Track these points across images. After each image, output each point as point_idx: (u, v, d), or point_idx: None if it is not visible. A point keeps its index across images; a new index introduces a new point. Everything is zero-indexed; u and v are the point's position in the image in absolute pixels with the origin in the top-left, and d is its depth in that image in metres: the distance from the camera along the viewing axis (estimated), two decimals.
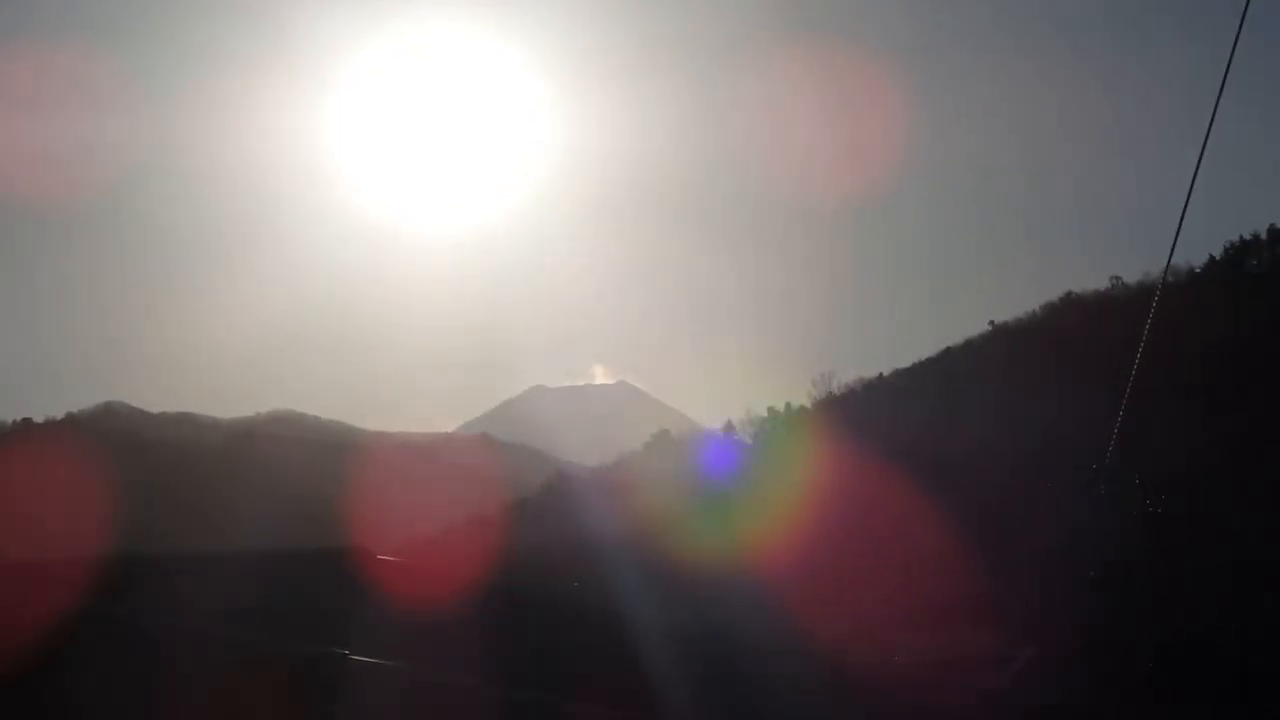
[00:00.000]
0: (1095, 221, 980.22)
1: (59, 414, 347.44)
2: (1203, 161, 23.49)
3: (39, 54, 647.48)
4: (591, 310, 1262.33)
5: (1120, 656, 70.55)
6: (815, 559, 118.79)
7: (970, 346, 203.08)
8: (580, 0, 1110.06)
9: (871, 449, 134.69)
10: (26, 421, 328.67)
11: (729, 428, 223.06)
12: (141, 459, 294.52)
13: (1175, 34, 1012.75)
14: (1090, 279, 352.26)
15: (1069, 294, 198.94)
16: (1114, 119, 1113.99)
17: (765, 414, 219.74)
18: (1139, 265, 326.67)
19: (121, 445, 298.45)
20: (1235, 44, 20.57)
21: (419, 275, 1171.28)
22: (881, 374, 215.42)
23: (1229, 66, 21.31)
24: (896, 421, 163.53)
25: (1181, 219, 25.42)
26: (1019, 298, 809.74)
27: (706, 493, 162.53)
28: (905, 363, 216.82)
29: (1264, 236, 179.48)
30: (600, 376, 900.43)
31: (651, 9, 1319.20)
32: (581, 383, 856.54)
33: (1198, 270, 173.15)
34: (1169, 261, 50.73)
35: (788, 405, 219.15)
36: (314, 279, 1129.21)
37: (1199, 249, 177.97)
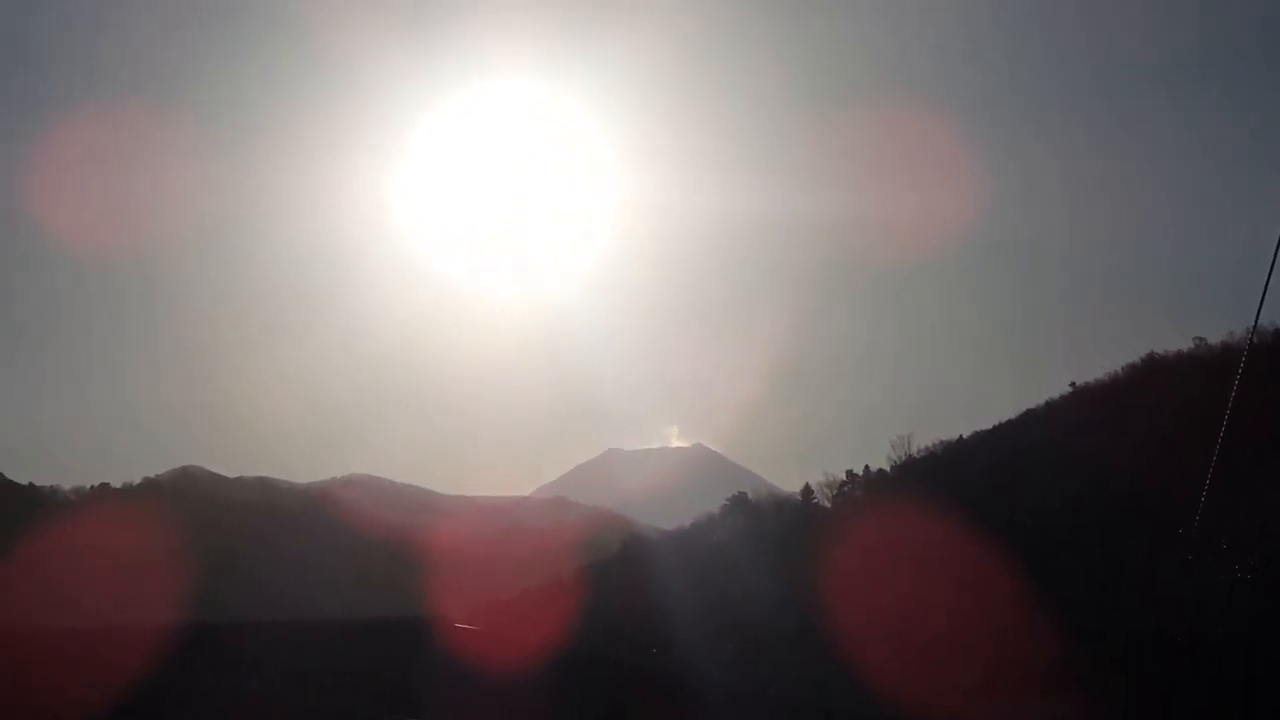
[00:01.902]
0: (1178, 281, 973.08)
1: (136, 479, 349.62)
2: None
3: (122, 113, 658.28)
4: (667, 373, 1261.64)
5: None
6: (894, 622, 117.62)
7: (1051, 408, 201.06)
8: (653, 63, 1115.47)
9: (951, 512, 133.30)
10: (104, 486, 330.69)
11: (807, 491, 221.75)
12: (218, 523, 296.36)
13: (1260, 89, 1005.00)
14: (1173, 340, 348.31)
15: (1151, 355, 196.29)
16: (1197, 176, 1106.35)
17: (844, 477, 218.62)
18: (1223, 326, 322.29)
19: (198, 509, 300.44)
20: None
21: (494, 339, 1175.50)
22: (961, 436, 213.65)
23: None
24: (976, 484, 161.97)
25: (1268, 278, 24.80)
26: (1100, 359, 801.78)
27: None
28: (985, 425, 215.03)
29: None
30: (675, 439, 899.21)
31: (725, 70, 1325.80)
32: (657, 445, 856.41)
33: None
34: (1255, 322, 49.69)
35: (866, 468, 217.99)
36: (390, 343, 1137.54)
37: None
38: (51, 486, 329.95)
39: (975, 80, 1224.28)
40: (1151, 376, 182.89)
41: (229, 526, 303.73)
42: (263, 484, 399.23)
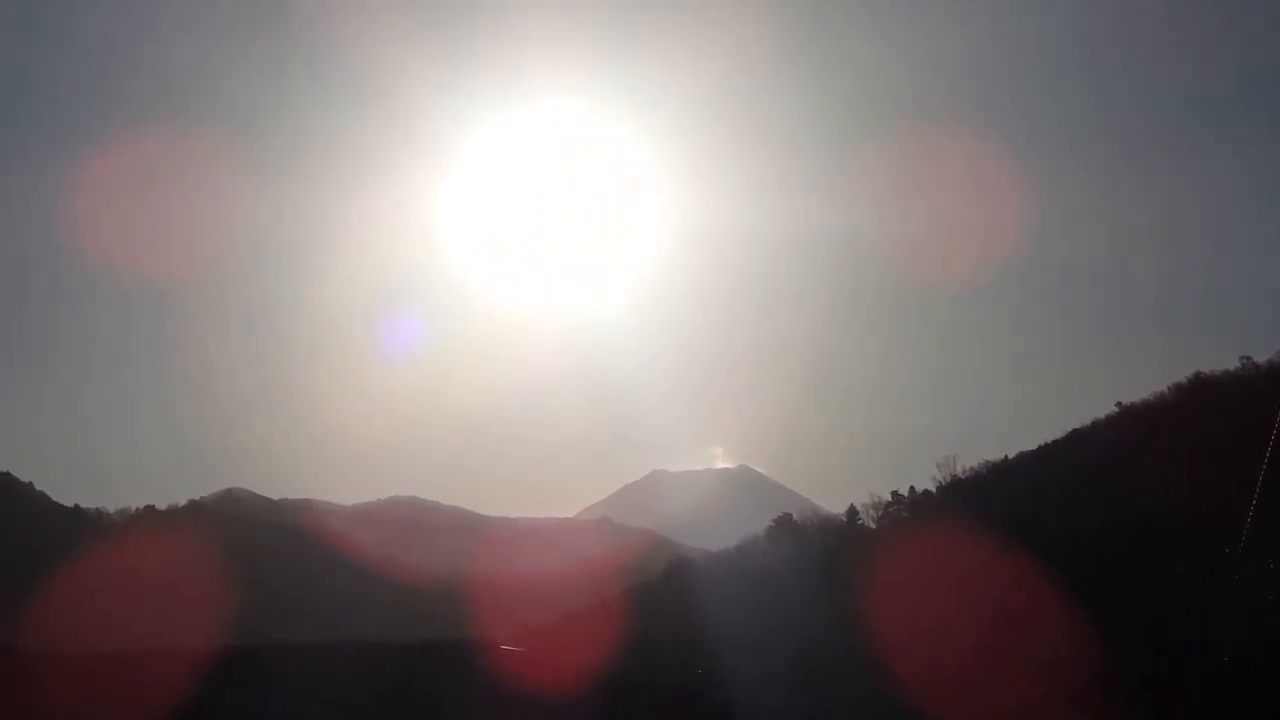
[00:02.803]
0: (1224, 301, 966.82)
1: (180, 501, 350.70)
2: None
3: (168, 137, 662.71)
4: (711, 394, 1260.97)
5: None
6: (939, 645, 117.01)
7: (1097, 428, 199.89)
8: (697, 83, 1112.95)
9: (996, 533, 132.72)
10: (149, 509, 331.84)
11: (852, 512, 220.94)
12: (262, 545, 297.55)
13: None
14: (1220, 359, 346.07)
15: (1198, 374, 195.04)
16: (1243, 196, 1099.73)
17: (889, 498, 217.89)
18: (1270, 345, 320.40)
19: (242, 531, 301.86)
20: None
21: (539, 359, 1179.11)
22: (1006, 456, 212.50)
23: None
24: (1021, 504, 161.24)
25: None
26: (1146, 379, 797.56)
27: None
28: (1030, 445, 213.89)
29: None
30: (720, 460, 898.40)
31: (769, 90, 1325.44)
32: (701, 467, 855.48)
33: None
34: None
35: (911, 489, 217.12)
36: (434, 364, 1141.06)
37: None
38: (96, 509, 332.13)
39: (1019, 104, 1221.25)
40: (1198, 395, 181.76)
41: (272, 548, 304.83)
42: (307, 506, 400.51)
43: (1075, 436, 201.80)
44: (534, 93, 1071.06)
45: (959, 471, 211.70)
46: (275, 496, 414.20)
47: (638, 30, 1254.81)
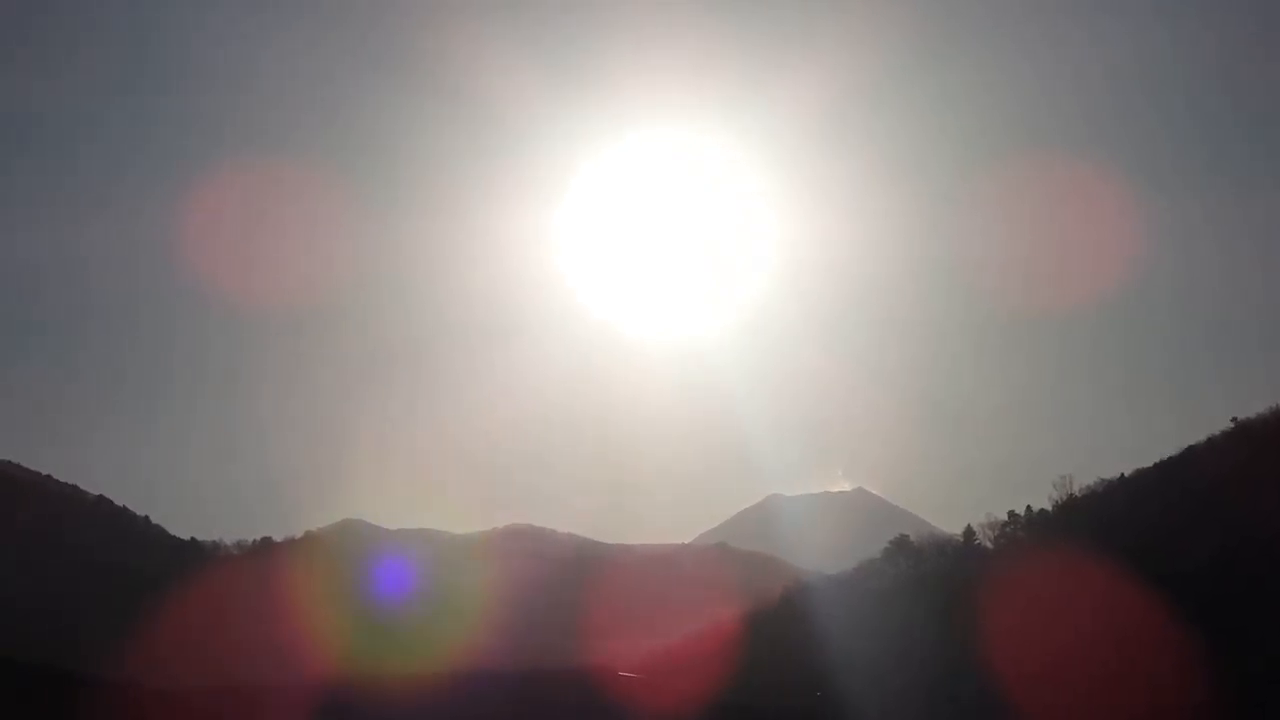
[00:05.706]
0: None
1: (298, 532, 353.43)
2: None
3: (284, 165, 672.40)
4: (827, 418, 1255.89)
5: None
6: (1055, 665, 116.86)
7: (1213, 445, 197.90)
8: (810, 111, 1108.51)
9: (1113, 551, 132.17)
10: (265, 540, 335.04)
11: (969, 533, 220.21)
12: (379, 575, 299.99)
13: None
14: None
15: None
16: None
17: (1005, 517, 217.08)
18: None
19: (358, 562, 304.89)
20: None
21: (653, 386, 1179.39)
22: (1123, 474, 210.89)
23: None
24: (1138, 523, 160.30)
25: None
26: (1263, 393, 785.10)
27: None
28: (1147, 462, 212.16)
29: None
30: (837, 484, 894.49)
31: (879, 120, 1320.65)
32: (818, 490, 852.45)
33: None
34: None
35: (1028, 508, 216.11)
36: (549, 392, 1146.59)
37: None
38: (213, 541, 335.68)
39: (1127, 128, 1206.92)
40: None
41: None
42: (423, 535, 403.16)
43: (1191, 453, 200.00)
44: (649, 121, 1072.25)
45: (1075, 490, 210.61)
46: (392, 527, 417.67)
47: (749, 59, 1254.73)
